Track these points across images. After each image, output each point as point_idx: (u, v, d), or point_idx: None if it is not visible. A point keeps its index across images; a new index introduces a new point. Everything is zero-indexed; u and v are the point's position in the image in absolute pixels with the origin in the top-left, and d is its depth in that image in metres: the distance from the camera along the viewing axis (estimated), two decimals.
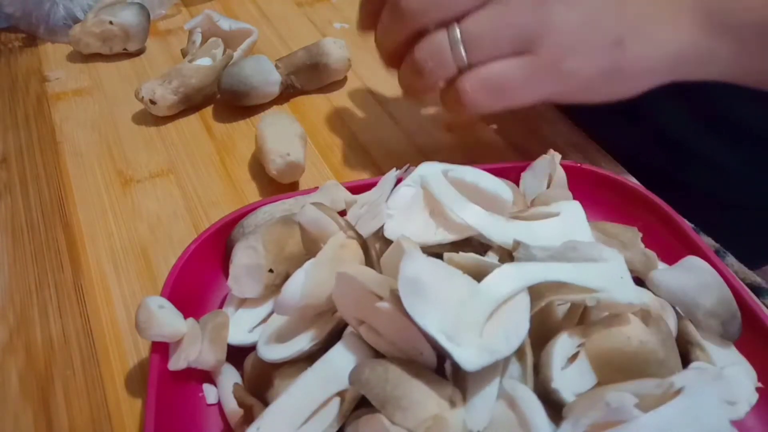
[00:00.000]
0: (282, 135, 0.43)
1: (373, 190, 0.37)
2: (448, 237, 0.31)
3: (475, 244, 0.31)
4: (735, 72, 0.41)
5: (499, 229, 0.31)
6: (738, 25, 0.38)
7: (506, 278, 0.26)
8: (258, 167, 0.46)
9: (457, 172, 0.33)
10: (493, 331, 0.25)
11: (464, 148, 0.48)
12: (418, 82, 0.39)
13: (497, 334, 0.25)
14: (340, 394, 0.26)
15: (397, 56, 0.39)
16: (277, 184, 0.44)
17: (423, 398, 0.24)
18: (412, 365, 0.25)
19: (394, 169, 0.36)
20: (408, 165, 0.37)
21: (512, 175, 0.39)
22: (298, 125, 0.45)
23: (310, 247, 0.31)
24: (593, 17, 0.36)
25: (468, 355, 0.24)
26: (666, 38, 0.38)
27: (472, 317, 0.25)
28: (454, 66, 0.36)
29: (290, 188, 0.43)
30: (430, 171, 0.33)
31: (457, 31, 0.36)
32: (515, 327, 0.25)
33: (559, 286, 0.26)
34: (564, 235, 0.30)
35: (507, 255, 0.30)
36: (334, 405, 0.26)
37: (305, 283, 0.28)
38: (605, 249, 0.28)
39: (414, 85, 0.39)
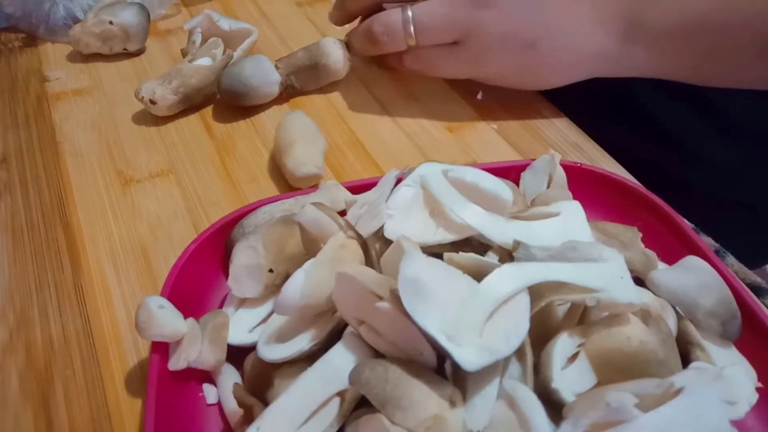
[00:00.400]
0: (312, 142, 0.44)
1: (373, 190, 0.37)
2: (448, 237, 0.31)
3: (475, 244, 0.31)
4: (654, 70, 0.47)
5: (499, 229, 0.31)
6: (652, 30, 0.44)
7: (506, 278, 0.26)
8: (258, 166, 0.46)
9: (457, 172, 0.33)
10: (493, 331, 0.25)
11: (464, 148, 0.48)
12: (370, 49, 0.49)
13: (497, 334, 0.25)
14: (340, 394, 0.26)
15: (351, 19, 0.52)
16: (277, 185, 0.44)
17: (423, 398, 0.24)
18: (412, 365, 0.25)
19: (394, 169, 0.36)
20: (408, 165, 0.37)
21: (512, 175, 0.39)
22: (323, 138, 0.45)
23: (310, 247, 0.31)
24: (513, 23, 0.45)
25: (468, 355, 0.24)
26: (583, 41, 0.45)
27: (472, 317, 0.25)
28: (404, 42, 0.46)
29: (291, 188, 0.44)
30: (430, 171, 0.33)
31: (410, 12, 0.45)
32: (515, 327, 0.25)
33: (559, 286, 0.26)
34: (564, 235, 0.30)
35: (507, 255, 0.30)
36: (334, 405, 0.26)
37: (305, 283, 0.28)
38: (605, 249, 0.28)
39: (366, 49, 0.49)
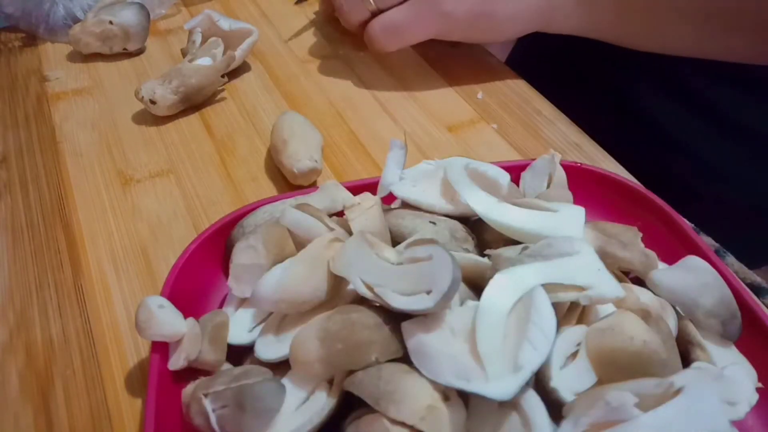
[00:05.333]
0: (307, 138, 0.44)
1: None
2: (452, 210, 0.33)
3: (476, 244, 0.31)
4: (585, 27, 0.49)
5: (499, 212, 0.31)
6: None
7: (503, 290, 0.26)
8: (258, 166, 0.46)
9: (476, 164, 0.35)
10: (515, 346, 0.25)
11: (464, 148, 0.48)
12: (342, 22, 0.52)
13: (522, 347, 0.24)
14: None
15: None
16: (277, 185, 0.44)
17: (416, 390, 0.24)
18: (405, 364, 0.25)
19: (396, 138, 0.37)
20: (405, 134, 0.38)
21: (512, 175, 0.39)
22: (318, 133, 0.45)
23: (300, 248, 0.32)
24: None
25: (500, 387, 0.23)
26: None
27: (488, 345, 0.24)
28: (366, 10, 0.49)
29: (291, 188, 0.44)
30: (455, 162, 0.35)
31: None
32: (541, 331, 0.25)
33: (551, 287, 0.26)
34: (558, 223, 0.30)
35: (502, 242, 0.31)
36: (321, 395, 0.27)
37: (280, 278, 0.28)
38: (577, 241, 0.28)
39: (344, 23, 0.52)
